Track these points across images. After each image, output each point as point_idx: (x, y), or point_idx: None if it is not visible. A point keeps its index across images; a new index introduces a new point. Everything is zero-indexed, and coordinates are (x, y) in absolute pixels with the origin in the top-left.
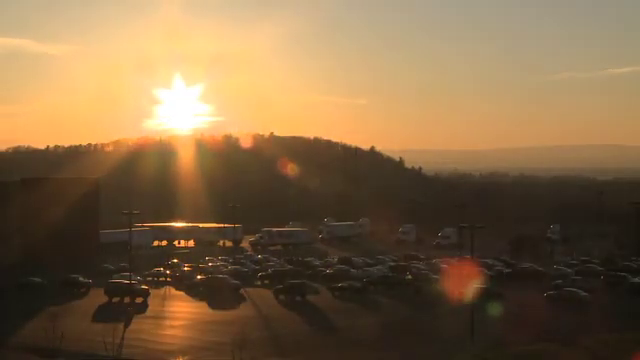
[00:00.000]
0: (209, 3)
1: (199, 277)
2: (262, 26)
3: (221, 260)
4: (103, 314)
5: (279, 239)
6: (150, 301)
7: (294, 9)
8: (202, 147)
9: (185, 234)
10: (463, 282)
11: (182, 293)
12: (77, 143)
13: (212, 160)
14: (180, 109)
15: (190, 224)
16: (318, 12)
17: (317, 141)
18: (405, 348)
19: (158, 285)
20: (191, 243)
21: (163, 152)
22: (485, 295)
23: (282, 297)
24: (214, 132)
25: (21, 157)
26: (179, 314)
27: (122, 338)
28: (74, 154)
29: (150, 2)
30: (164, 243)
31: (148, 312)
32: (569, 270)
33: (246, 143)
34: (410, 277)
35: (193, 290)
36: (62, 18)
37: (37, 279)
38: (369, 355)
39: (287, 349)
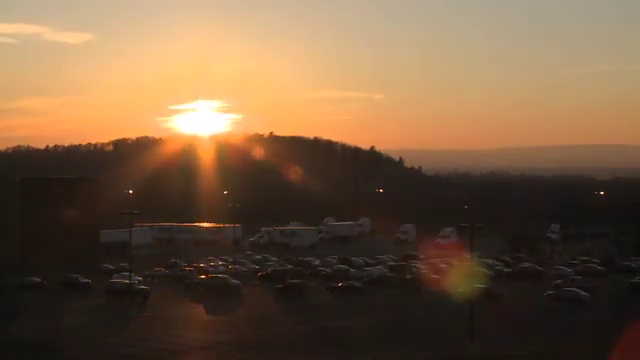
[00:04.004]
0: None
1: (199, 277)
2: (262, 24)
3: (221, 260)
4: (103, 314)
5: (279, 239)
6: (150, 301)
7: (295, 9)
8: (203, 147)
9: (185, 233)
10: (463, 282)
11: (182, 293)
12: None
13: (213, 160)
14: (185, 109)
15: (189, 224)
16: (319, 11)
17: (317, 141)
18: (404, 348)
19: (158, 285)
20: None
21: (164, 152)
22: (485, 295)
23: (282, 297)
24: (218, 131)
25: (21, 157)
26: (179, 314)
27: (121, 338)
28: (74, 153)
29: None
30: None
31: (148, 312)
32: (569, 270)
33: (245, 143)
34: (410, 277)
35: (193, 290)
36: (81, 8)
37: (37, 279)
38: (367, 355)
39: (285, 349)
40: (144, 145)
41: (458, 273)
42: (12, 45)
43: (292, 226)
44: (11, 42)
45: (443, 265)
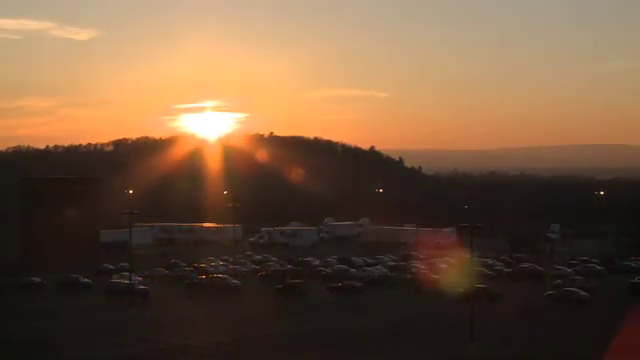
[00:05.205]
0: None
1: (199, 277)
2: (264, 22)
3: (221, 260)
4: (103, 314)
5: (280, 239)
6: (150, 301)
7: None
8: (204, 147)
9: (185, 233)
10: (462, 281)
11: (182, 293)
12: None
13: (214, 160)
14: (187, 108)
15: (189, 224)
16: (322, 9)
17: (317, 141)
18: (404, 348)
19: (158, 285)
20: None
21: (164, 152)
22: (485, 295)
23: (282, 297)
24: (219, 130)
25: (21, 157)
26: (179, 314)
27: (121, 338)
28: (74, 153)
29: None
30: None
31: (148, 312)
32: (569, 270)
33: (246, 143)
34: (410, 277)
35: (193, 290)
36: (87, 4)
37: (37, 279)
38: (367, 355)
39: (285, 349)
40: (144, 145)
41: (457, 273)
42: (15, 41)
43: (292, 226)
44: (14, 38)
45: (443, 265)
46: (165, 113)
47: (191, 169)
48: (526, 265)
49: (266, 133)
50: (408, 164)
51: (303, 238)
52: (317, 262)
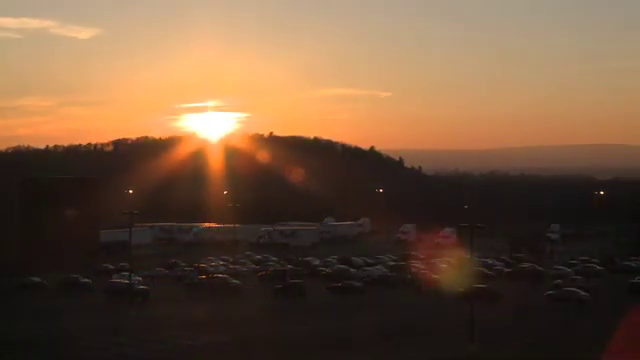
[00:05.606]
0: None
1: (199, 277)
2: (261, 20)
3: (221, 260)
4: (103, 314)
5: (280, 238)
6: (150, 301)
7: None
8: (204, 147)
9: (185, 233)
10: (461, 281)
11: (182, 293)
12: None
13: (214, 160)
14: (189, 108)
15: (189, 224)
16: (328, 8)
17: (317, 141)
18: (404, 348)
19: (158, 285)
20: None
21: (163, 152)
22: (485, 295)
23: (282, 297)
24: (220, 130)
25: (21, 157)
26: (179, 314)
27: (121, 338)
28: (74, 153)
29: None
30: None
31: (148, 312)
32: (569, 270)
33: (246, 143)
34: (410, 277)
35: (193, 290)
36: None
37: (37, 279)
38: (367, 355)
39: (285, 349)
40: (144, 145)
41: (457, 273)
42: (16, 40)
43: (292, 226)
44: (15, 37)
45: (443, 265)
46: (166, 113)
47: (191, 169)
48: (526, 265)
49: (266, 133)
50: (408, 164)
51: (303, 238)
52: (317, 262)
